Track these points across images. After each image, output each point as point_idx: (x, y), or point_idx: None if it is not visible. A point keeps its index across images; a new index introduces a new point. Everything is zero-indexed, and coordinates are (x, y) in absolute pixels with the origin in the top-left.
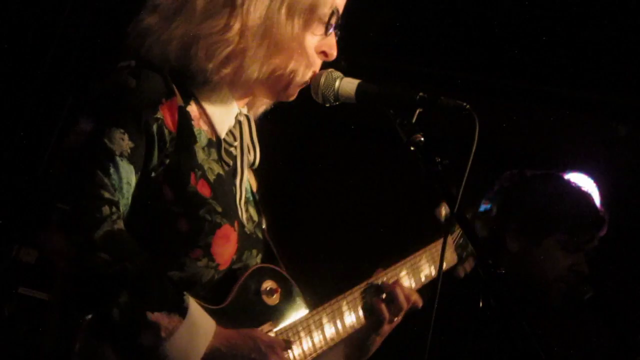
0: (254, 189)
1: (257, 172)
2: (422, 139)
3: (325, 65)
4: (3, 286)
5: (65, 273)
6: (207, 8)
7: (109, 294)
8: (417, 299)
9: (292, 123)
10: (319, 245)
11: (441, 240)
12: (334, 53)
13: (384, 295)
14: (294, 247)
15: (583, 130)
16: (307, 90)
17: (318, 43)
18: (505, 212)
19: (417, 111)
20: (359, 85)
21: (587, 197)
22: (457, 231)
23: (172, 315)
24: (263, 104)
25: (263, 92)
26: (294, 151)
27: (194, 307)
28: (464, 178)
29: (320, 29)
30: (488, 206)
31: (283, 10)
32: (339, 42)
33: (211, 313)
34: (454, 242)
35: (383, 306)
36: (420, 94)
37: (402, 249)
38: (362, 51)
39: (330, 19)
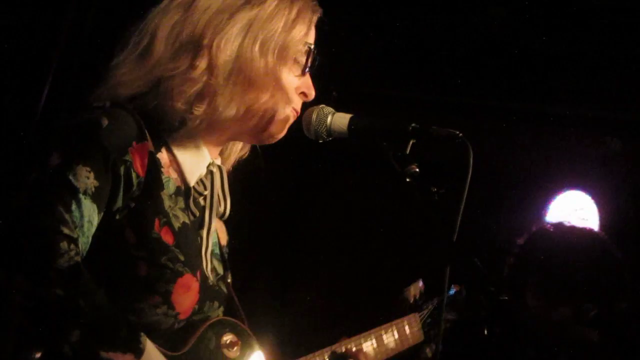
0: (223, 242)
1: (230, 224)
2: (417, 169)
3: (316, 102)
4: None
5: (18, 306)
6: (174, 50)
7: (61, 330)
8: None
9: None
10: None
11: (407, 317)
12: (312, 93)
13: None
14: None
15: (578, 148)
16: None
17: (297, 84)
18: (525, 267)
19: (411, 142)
20: (351, 120)
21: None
22: (426, 310)
23: (126, 355)
24: (235, 153)
25: (243, 133)
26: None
27: (151, 348)
28: (461, 206)
29: (297, 69)
30: (454, 290)
31: (256, 48)
32: (328, 74)
33: (166, 357)
34: (421, 320)
35: None
36: (413, 124)
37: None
38: (353, 80)
39: (307, 58)
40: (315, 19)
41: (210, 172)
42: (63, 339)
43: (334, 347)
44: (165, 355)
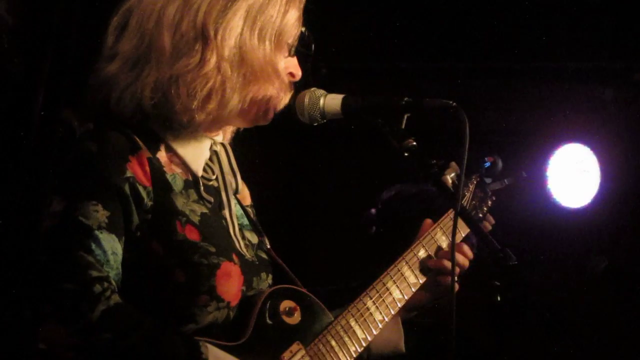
0: (247, 202)
1: (254, 193)
2: (414, 143)
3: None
4: None
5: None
6: (177, 46)
7: None
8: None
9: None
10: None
11: (447, 213)
12: (299, 73)
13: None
14: (302, 256)
15: (573, 101)
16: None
17: (285, 65)
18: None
19: (405, 116)
20: (343, 100)
21: None
22: (468, 194)
23: None
24: (231, 129)
25: (240, 120)
26: (284, 164)
27: (213, 353)
28: (462, 174)
29: (285, 51)
30: (489, 163)
31: (255, 36)
32: (315, 51)
33: (233, 351)
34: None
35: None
36: (405, 98)
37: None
38: (340, 55)
39: (298, 41)
40: (301, 7)
41: (214, 152)
42: None
43: (357, 308)
44: (230, 348)
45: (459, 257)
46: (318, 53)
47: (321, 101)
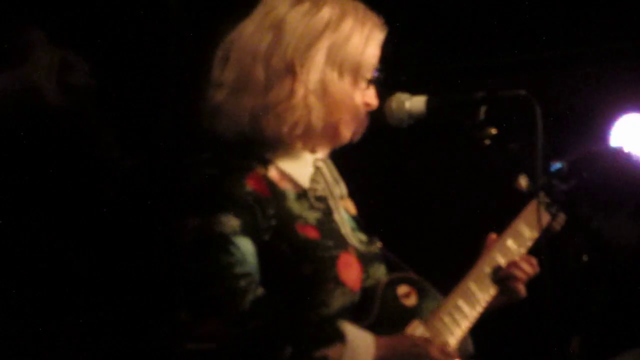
0: (353, 212)
1: (356, 198)
2: (494, 132)
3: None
4: None
5: (236, 352)
6: (270, 79)
7: (275, 351)
8: (530, 263)
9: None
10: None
11: (529, 207)
12: (375, 103)
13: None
14: (408, 250)
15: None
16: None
17: (363, 96)
18: (578, 190)
19: (483, 109)
20: (428, 101)
21: None
22: (542, 194)
23: (334, 345)
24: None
25: (325, 143)
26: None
27: (349, 329)
28: (538, 156)
29: (363, 83)
30: (558, 165)
31: (336, 71)
32: (393, 61)
33: (364, 329)
34: (542, 204)
35: (510, 283)
36: (480, 93)
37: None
38: (415, 61)
39: (375, 74)
40: (382, 38)
41: (317, 167)
42: (280, 357)
43: (484, 261)
44: (362, 327)
45: (528, 267)
46: (397, 61)
47: (407, 104)
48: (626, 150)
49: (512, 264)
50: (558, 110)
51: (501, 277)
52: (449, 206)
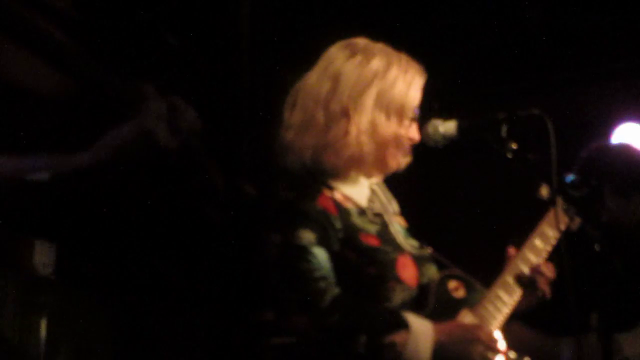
0: (404, 225)
1: (405, 214)
2: (515, 146)
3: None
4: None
5: (322, 342)
6: (328, 121)
7: (352, 340)
8: (550, 268)
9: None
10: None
11: (551, 211)
12: (417, 138)
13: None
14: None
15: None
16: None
17: (406, 133)
18: (599, 177)
19: (504, 127)
20: (458, 124)
21: None
22: (560, 201)
23: (401, 333)
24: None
25: (376, 172)
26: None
27: (411, 318)
28: (553, 166)
29: (407, 120)
30: (571, 176)
31: (384, 113)
32: (428, 91)
33: (423, 318)
34: (561, 209)
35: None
36: (501, 114)
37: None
38: (445, 89)
39: (416, 114)
40: (422, 82)
41: (372, 190)
42: (356, 344)
43: (509, 269)
44: (421, 316)
45: (548, 273)
46: (430, 92)
47: (441, 128)
48: (625, 143)
49: (535, 269)
50: (566, 124)
51: (527, 281)
52: (480, 211)
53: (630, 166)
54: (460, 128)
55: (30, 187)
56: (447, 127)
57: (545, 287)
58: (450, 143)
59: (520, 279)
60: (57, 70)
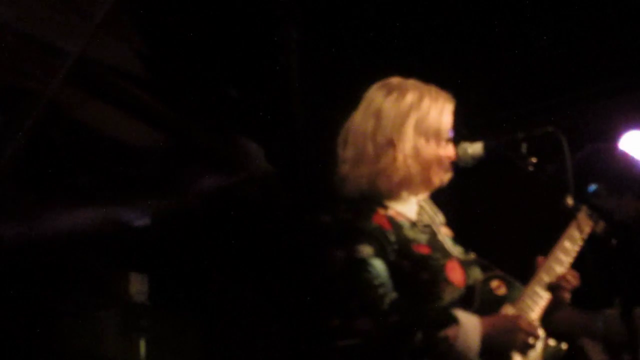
0: (450, 235)
1: (451, 225)
2: (534, 160)
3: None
4: None
5: (385, 341)
6: (377, 151)
7: (410, 337)
8: (574, 275)
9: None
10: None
11: (578, 217)
12: (454, 156)
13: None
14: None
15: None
16: None
17: (444, 152)
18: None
19: (524, 145)
20: (484, 146)
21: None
22: (583, 208)
23: (451, 327)
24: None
25: (422, 190)
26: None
27: (460, 314)
28: (569, 176)
29: (443, 141)
30: (594, 186)
31: (422, 139)
32: (456, 118)
33: (470, 314)
34: (585, 214)
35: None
36: (520, 134)
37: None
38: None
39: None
40: (452, 107)
41: (420, 205)
42: (414, 340)
43: (544, 268)
44: (468, 312)
45: (572, 280)
46: (457, 119)
47: (469, 150)
48: (620, 147)
49: (561, 277)
50: (577, 137)
51: (554, 286)
52: (509, 220)
53: (622, 165)
54: (486, 149)
55: (134, 231)
56: (474, 148)
57: (566, 295)
58: (478, 162)
59: (549, 285)
60: (155, 129)
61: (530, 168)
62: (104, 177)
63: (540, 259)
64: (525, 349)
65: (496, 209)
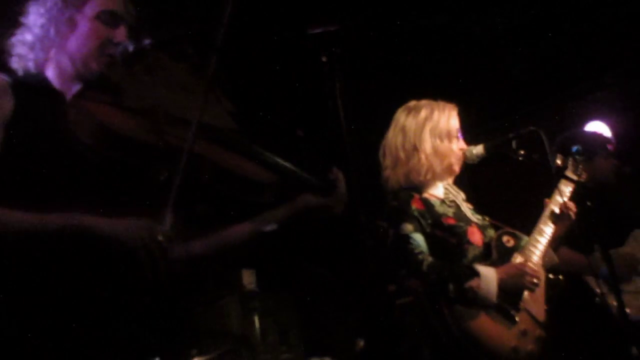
0: (471, 207)
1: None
2: (523, 152)
3: None
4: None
5: (425, 291)
6: (407, 156)
7: (445, 289)
8: (572, 205)
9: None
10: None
11: (566, 172)
12: (465, 148)
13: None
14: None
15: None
16: None
17: (457, 145)
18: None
19: (514, 142)
20: (485, 147)
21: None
22: (570, 160)
23: (474, 279)
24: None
25: (445, 177)
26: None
27: (480, 268)
28: (550, 159)
29: (454, 138)
30: (576, 147)
31: (437, 139)
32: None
33: (488, 266)
34: (572, 166)
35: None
36: (511, 134)
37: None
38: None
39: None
40: (456, 112)
41: (446, 189)
42: (448, 291)
43: (542, 218)
44: (487, 265)
45: (572, 207)
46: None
47: (474, 151)
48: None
49: (563, 205)
50: (554, 132)
51: (559, 216)
52: (510, 194)
53: (591, 136)
54: (487, 149)
55: (261, 236)
56: (477, 150)
57: (572, 215)
58: (482, 159)
59: (554, 216)
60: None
61: (521, 158)
62: (244, 207)
63: (547, 200)
64: (531, 287)
65: (500, 187)
